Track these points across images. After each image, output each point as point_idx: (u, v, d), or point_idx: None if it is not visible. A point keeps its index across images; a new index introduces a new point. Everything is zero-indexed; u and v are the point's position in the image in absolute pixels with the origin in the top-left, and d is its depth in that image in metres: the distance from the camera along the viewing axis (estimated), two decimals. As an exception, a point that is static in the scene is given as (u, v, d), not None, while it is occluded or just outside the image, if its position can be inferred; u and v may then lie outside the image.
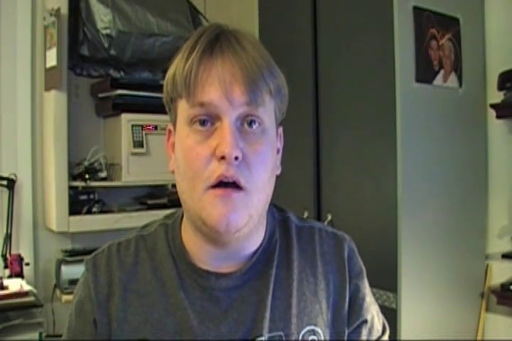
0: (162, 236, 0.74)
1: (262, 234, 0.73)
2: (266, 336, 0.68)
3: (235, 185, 0.62)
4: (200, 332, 0.67)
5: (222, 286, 0.69)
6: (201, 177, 0.62)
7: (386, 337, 0.80)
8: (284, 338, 0.69)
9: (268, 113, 0.66)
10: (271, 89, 0.65)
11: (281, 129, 0.73)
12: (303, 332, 0.71)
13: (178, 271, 0.70)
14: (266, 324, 0.69)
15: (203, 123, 0.63)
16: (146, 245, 0.74)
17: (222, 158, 0.60)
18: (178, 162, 0.66)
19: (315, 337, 0.71)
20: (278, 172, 0.71)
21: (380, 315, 0.81)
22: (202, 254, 0.70)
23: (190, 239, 0.71)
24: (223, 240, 0.65)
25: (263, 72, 0.64)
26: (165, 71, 0.70)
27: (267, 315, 0.69)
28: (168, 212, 0.80)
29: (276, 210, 0.79)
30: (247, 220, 0.63)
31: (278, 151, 0.72)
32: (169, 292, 0.69)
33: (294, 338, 0.70)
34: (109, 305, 0.70)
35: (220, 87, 0.62)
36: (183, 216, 0.74)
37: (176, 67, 0.66)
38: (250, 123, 0.64)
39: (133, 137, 2.29)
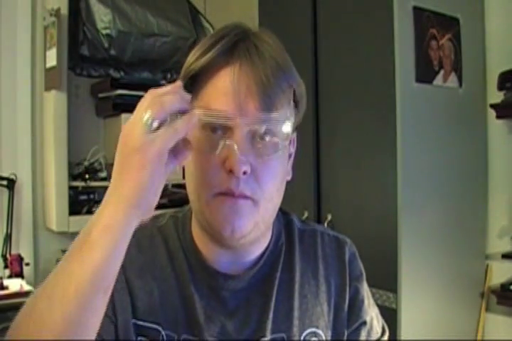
0: (172, 229, 0.74)
1: (269, 238, 0.73)
2: (269, 337, 0.69)
3: (242, 194, 0.62)
4: (206, 328, 0.68)
5: (230, 287, 0.70)
6: (209, 185, 0.62)
7: (385, 338, 0.80)
8: (286, 339, 0.70)
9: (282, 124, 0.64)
10: (288, 100, 0.64)
11: (294, 134, 0.71)
12: (304, 334, 0.71)
13: (190, 264, 0.70)
14: (269, 325, 0.69)
15: (214, 129, 0.62)
16: (160, 233, 0.73)
17: (231, 171, 0.60)
18: (187, 162, 0.66)
19: (316, 339, 0.72)
20: (289, 178, 0.70)
21: (380, 318, 0.81)
22: (210, 254, 0.70)
23: (198, 237, 0.71)
24: (229, 244, 0.65)
25: (281, 84, 0.62)
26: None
27: (271, 316, 0.70)
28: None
29: (281, 213, 0.79)
30: (253, 227, 0.63)
31: (290, 156, 0.71)
32: (183, 283, 0.69)
33: (295, 339, 0.70)
34: (126, 274, 0.68)
35: (234, 99, 0.61)
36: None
37: (189, 66, 0.65)
38: (262, 136, 0.63)
39: (133, 137, 2.28)
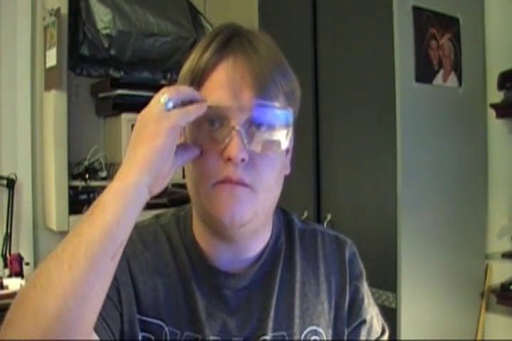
0: (174, 227, 0.74)
1: (269, 235, 0.74)
2: (270, 335, 0.69)
3: (241, 182, 0.62)
4: (208, 326, 0.68)
5: (231, 286, 0.70)
6: (208, 176, 0.63)
7: (385, 337, 0.80)
8: (286, 338, 0.70)
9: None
10: (282, 93, 0.65)
11: (291, 130, 0.72)
12: (305, 332, 0.72)
13: (192, 262, 0.71)
14: (270, 324, 0.70)
15: (211, 123, 0.63)
16: (163, 230, 0.74)
17: (229, 159, 0.61)
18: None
19: (317, 338, 0.72)
20: (287, 172, 0.71)
21: (380, 317, 0.81)
22: (211, 251, 0.70)
23: (199, 234, 0.72)
24: (229, 234, 0.66)
25: (274, 76, 0.64)
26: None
27: (272, 314, 0.70)
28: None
29: (281, 213, 0.80)
30: (252, 216, 0.64)
31: (287, 151, 0.71)
32: (186, 280, 0.70)
33: (296, 338, 0.71)
34: (131, 267, 0.69)
35: (229, 89, 0.62)
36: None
37: (188, 67, 0.67)
38: (259, 127, 0.63)
39: (133, 137, 2.29)
